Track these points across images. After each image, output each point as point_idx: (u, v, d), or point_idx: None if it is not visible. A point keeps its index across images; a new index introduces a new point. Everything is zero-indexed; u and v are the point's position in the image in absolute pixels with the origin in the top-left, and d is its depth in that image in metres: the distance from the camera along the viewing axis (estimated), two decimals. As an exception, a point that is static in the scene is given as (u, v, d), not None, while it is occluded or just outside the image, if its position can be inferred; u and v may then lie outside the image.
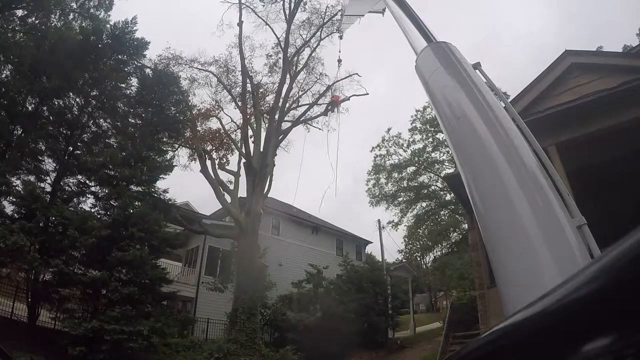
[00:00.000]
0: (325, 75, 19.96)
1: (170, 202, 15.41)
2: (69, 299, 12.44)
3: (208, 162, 18.00)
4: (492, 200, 2.09)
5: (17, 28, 17.23)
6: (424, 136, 28.45)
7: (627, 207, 7.04)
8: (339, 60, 15.87)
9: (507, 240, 1.91)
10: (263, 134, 18.49)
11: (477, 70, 2.62)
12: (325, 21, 19.55)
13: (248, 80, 18.97)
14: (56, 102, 15.79)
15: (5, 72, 16.61)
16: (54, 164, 15.24)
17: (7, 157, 14.41)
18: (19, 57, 15.56)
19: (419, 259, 37.61)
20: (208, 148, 18.43)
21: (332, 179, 18.83)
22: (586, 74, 8.82)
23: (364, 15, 7.73)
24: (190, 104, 18.96)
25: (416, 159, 29.04)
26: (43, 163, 15.14)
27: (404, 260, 31.86)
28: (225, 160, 18.77)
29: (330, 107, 19.23)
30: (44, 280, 12.84)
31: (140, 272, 12.48)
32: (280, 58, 19.39)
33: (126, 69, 17.15)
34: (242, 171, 18.11)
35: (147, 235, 13.08)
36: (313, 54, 20.11)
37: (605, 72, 8.46)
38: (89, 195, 14.84)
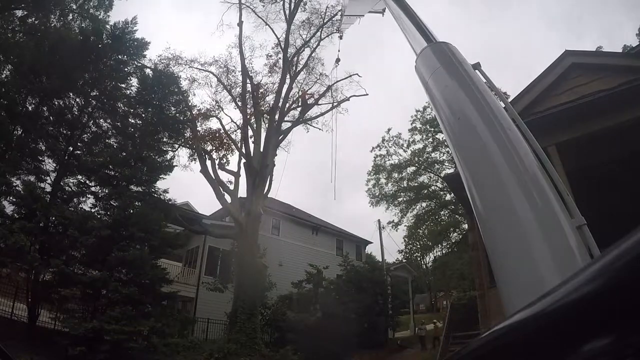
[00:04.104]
0: (325, 75, 20.00)
1: (170, 202, 15.41)
2: (69, 299, 12.43)
3: (208, 162, 18.01)
4: (492, 201, 2.09)
5: (17, 28, 17.24)
6: (424, 136, 28.49)
7: (627, 207, 7.04)
8: (337, 60, 15.90)
9: (507, 240, 1.91)
10: (263, 134, 18.50)
11: (477, 71, 2.62)
12: (325, 21, 19.57)
13: (248, 81, 18.97)
14: (56, 102, 15.78)
15: (5, 72, 16.62)
16: (54, 164, 15.23)
17: (7, 157, 14.40)
18: (19, 57, 15.57)
19: (419, 259, 37.63)
20: (208, 148, 18.43)
21: (333, 181, 18.75)
22: (586, 74, 8.83)
23: (363, 16, 7.73)
24: (190, 104, 18.97)
25: (416, 159, 29.06)
26: (43, 163, 15.13)
27: (404, 260, 31.88)
28: (225, 160, 18.79)
29: (301, 105, 19.29)
30: (44, 280, 12.84)
31: (140, 272, 12.49)
32: (280, 58, 19.39)
33: (126, 69, 17.14)
34: (242, 171, 18.13)
35: (147, 235, 13.08)
36: (313, 54, 20.15)
37: (605, 72, 8.46)
38: (89, 195, 14.83)
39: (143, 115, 16.61)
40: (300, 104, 19.52)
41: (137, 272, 12.45)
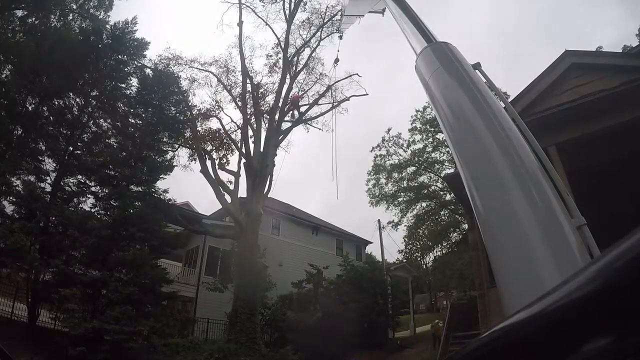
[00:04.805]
0: (325, 75, 19.98)
1: (170, 202, 15.41)
2: (69, 299, 12.44)
3: (208, 162, 18.01)
4: (491, 201, 2.09)
5: (17, 28, 17.25)
6: (424, 136, 28.47)
7: (627, 207, 7.04)
8: (336, 60, 15.87)
9: (507, 240, 1.91)
10: (263, 134, 18.50)
11: (477, 71, 2.62)
12: (325, 21, 19.57)
13: (248, 81, 18.97)
14: (56, 102, 15.78)
15: (5, 72, 16.62)
16: (54, 164, 15.23)
17: (7, 157, 14.40)
18: (19, 57, 15.57)
19: (419, 259, 37.57)
20: (208, 148, 18.43)
21: (333, 181, 18.72)
22: (586, 74, 8.83)
23: (363, 16, 7.72)
24: (190, 104, 18.96)
25: (416, 159, 29.04)
26: (43, 163, 15.13)
27: (404, 260, 31.86)
28: (225, 160, 18.79)
29: (292, 107, 19.23)
30: (44, 280, 12.84)
31: (140, 272, 12.48)
32: (280, 58, 19.40)
33: (126, 69, 17.13)
34: (242, 171, 18.12)
35: (147, 235, 13.09)
36: (313, 54, 20.15)
37: (605, 72, 8.46)
38: (89, 195, 14.84)
39: (143, 115, 16.61)
40: (290, 106, 19.31)
41: (137, 272, 12.45)
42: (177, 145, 18.81)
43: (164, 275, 13.72)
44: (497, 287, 2.00)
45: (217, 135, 18.68)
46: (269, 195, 18.41)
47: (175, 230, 16.73)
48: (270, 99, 19.32)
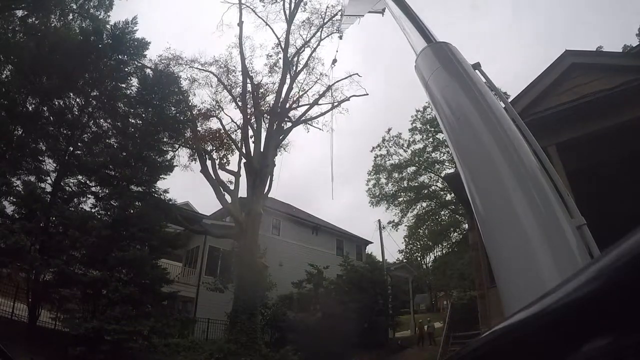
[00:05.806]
0: (325, 75, 20.00)
1: (170, 202, 15.40)
2: (70, 299, 12.43)
3: (208, 162, 18.02)
4: (491, 201, 2.09)
5: (17, 28, 17.24)
6: (424, 136, 28.52)
7: (627, 207, 7.03)
8: (334, 61, 15.89)
9: (507, 240, 1.91)
10: (263, 134, 18.50)
11: (476, 71, 2.62)
12: (325, 21, 19.60)
13: (248, 81, 18.99)
14: (56, 102, 15.77)
15: (5, 72, 16.62)
16: (54, 164, 15.21)
17: (7, 157, 14.40)
18: (19, 57, 15.56)
19: (419, 259, 37.59)
20: (208, 148, 18.43)
21: (331, 181, 18.75)
22: (586, 74, 8.82)
23: (363, 15, 7.73)
24: (190, 104, 18.96)
25: (416, 159, 29.08)
26: (43, 163, 15.11)
27: (404, 260, 31.86)
28: (225, 160, 18.79)
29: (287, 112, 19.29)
30: (44, 280, 12.83)
31: (140, 272, 12.49)
32: (280, 58, 19.43)
33: (126, 69, 17.11)
34: (243, 171, 18.13)
35: (148, 235, 13.09)
36: (313, 54, 20.16)
37: (605, 72, 8.45)
38: (90, 196, 14.82)
39: (143, 115, 16.60)
40: (291, 106, 19.36)
41: (138, 272, 12.45)
42: (177, 145, 18.79)
43: (164, 275, 13.72)
44: (497, 287, 2.00)
45: (217, 135, 18.68)
46: (269, 195, 18.43)
47: (175, 230, 16.73)
48: (270, 99, 19.35)
